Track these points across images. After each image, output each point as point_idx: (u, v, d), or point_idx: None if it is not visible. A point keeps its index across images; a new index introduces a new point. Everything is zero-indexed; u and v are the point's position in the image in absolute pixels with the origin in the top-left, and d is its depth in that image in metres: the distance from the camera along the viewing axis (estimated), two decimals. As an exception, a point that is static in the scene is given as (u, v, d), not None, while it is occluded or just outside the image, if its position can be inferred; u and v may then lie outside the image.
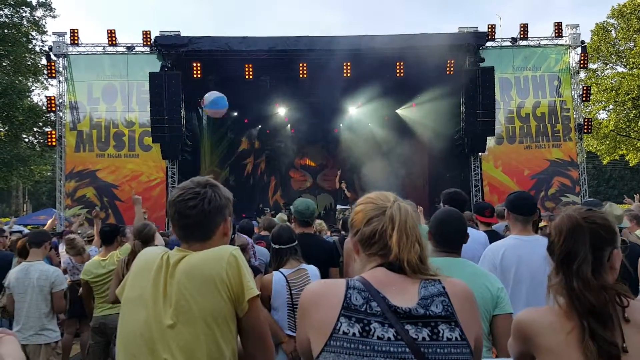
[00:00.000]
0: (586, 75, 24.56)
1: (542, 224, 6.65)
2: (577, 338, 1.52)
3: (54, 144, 15.68)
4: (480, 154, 15.86)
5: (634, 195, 6.94)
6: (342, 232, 7.95)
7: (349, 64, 15.23)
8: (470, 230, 4.08)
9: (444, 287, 1.44)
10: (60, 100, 15.84)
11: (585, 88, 16.69)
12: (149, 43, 15.67)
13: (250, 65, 15.49)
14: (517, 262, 3.06)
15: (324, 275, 4.02)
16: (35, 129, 25.23)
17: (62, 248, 8.14)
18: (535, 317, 1.68)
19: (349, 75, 15.46)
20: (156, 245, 3.88)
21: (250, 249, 4.33)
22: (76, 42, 15.90)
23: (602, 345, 1.48)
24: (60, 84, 15.93)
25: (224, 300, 1.72)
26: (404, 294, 1.41)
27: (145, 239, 4.35)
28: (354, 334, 1.33)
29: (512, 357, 1.82)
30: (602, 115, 27.46)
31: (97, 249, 7.03)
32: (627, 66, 24.93)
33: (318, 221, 8.35)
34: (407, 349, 1.32)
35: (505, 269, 3.07)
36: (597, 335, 1.49)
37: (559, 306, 1.60)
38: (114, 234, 5.43)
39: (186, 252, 1.82)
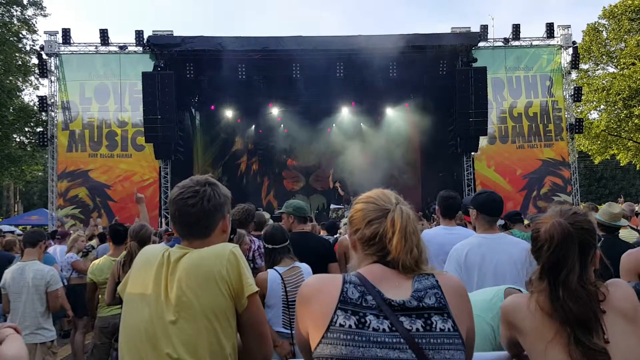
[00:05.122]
0: (577, 76, 24.74)
1: (526, 222, 6.71)
2: (561, 342, 1.56)
3: (46, 144, 15.64)
4: (472, 153, 15.96)
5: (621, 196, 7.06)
6: (338, 233, 7.97)
7: (341, 64, 15.29)
8: (459, 228, 4.13)
9: (437, 281, 1.48)
10: (52, 100, 15.78)
11: (576, 88, 16.86)
12: (141, 43, 15.65)
13: (243, 65, 15.52)
14: (480, 260, 3.12)
15: (323, 271, 4.05)
16: (26, 129, 25.06)
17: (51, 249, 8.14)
18: (517, 303, 1.73)
19: (342, 75, 15.51)
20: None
21: (247, 243, 4.32)
22: (68, 41, 15.85)
23: (587, 351, 1.51)
24: (52, 84, 15.87)
25: (224, 297, 1.76)
26: (399, 288, 1.45)
27: (142, 240, 4.35)
28: (350, 326, 1.37)
29: (503, 343, 1.86)
30: (594, 115, 27.66)
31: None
32: (618, 67, 25.09)
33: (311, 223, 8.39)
34: (402, 340, 1.36)
35: (470, 267, 3.13)
36: (582, 343, 1.52)
37: (540, 309, 1.63)
38: (126, 234, 5.39)
39: (187, 250, 1.86)
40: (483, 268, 3.11)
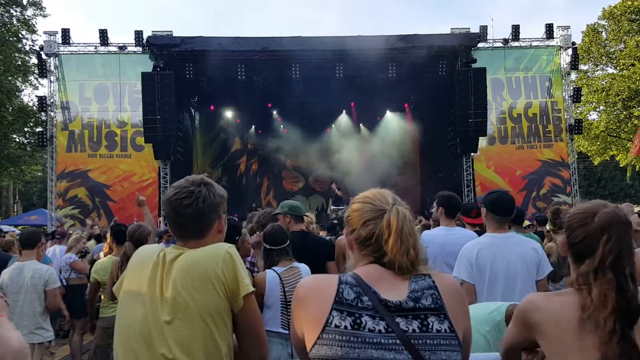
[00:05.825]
0: (577, 76, 24.69)
1: (526, 223, 6.71)
2: (594, 341, 1.50)
3: (45, 144, 15.63)
4: (472, 154, 15.95)
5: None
6: (340, 232, 7.95)
7: (341, 64, 15.30)
8: (459, 229, 4.13)
9: (433, 282, 1.47)
10: (52, 100, 15.77)
11: (576, 89, 16.85)
12: (141, 43, 15.64)
13: (243, 66, 15.52)
14: (491, 259, 3.16)
15: (321, 270, 4.06)
16: (25, 129, 25.05)
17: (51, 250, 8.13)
18: (541, 304, 1.65)
19: (341, 75, 15.53)
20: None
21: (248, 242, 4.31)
22: (68, 41, 15.84)
23: (626, 348, 1.47)
24: (52, 84, 15.86)
25: (220, 297, 1.75)
26: (395, 289, 1.44)
27: (137, 241, 4.32)
28: (345, 327, 1.36)
29: (506, 343, 1.81)
30: (593, 116, 27.65)
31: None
32: (618, 67, 25.06)
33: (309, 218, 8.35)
34: (398, 341, 1.35)
35: (481, 266, 3.16)
36: (626, 339, 1.48)
37: (581, 307, 1.55)
38: None
39: (182, 250, 1.85)
40: (494, 267, 3.14)
